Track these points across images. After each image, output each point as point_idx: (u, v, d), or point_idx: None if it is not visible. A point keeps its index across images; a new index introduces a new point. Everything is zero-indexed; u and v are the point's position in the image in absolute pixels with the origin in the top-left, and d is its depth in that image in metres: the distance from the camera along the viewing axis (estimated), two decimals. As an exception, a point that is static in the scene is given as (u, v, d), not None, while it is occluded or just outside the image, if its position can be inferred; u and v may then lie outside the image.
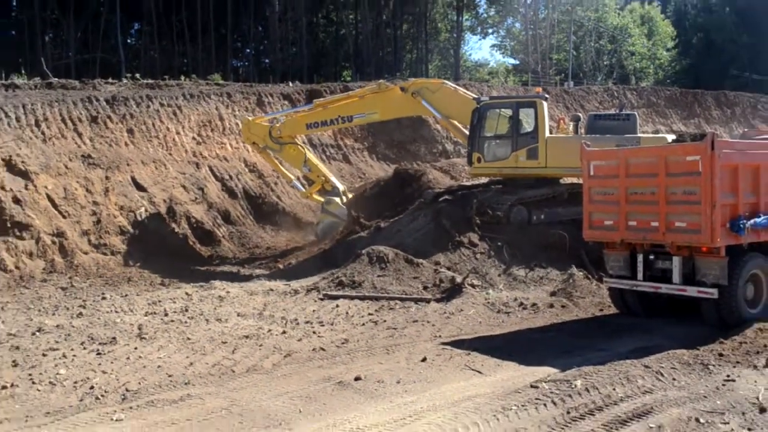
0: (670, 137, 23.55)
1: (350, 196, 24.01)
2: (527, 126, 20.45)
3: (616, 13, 74.08)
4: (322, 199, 23.39)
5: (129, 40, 47.79)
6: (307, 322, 13.76)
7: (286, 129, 22.92)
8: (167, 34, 44.27)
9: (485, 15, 60.67)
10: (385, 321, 13.83)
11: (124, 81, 30.74)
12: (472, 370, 10.60)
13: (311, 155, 24.36)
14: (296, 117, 23.65)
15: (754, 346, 11.12)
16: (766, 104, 59.32)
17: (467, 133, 21.50)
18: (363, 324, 13.69)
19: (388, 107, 23.10)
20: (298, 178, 24.30)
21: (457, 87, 23.85)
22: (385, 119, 24.73)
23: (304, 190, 24.14)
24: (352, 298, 15.56)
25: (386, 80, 22.87)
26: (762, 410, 8.44)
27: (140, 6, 43.79)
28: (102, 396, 9.59)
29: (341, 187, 23.97)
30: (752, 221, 12.36)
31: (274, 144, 22.88)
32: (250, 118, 24.01)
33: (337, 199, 23.21)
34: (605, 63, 71.60)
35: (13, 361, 11.06)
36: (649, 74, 72.30)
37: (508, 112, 21.02)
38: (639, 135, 21.16)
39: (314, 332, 13.05)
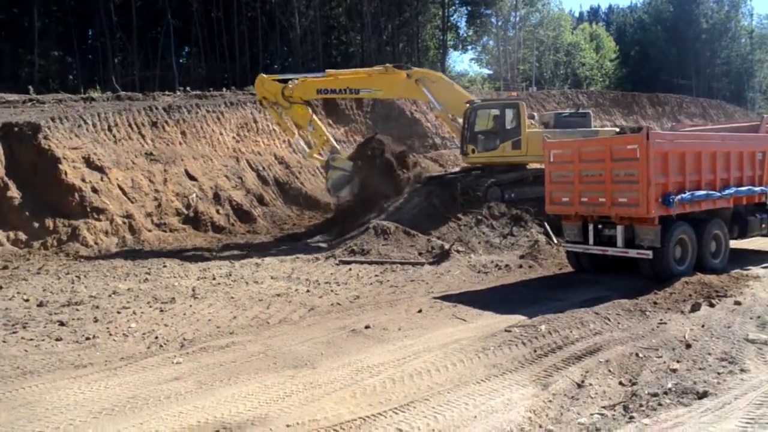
0: (616, 130, 23.55)
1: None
2: (511, 123, 20.33)
3: (570, 32, 73.42)
4: (321, 158, 21.68)
5: (181, 60, 47.58)
6: (326, 283, 13.75)
7: (298, 90, 20.90)
8: (211, 54, 44.06)
9: (465, 35, 60.06)
10: (388, 281, 13.81)
11: (178, 93, 30.56)
12: (458, 318, 10.59)
13: (316, 118, 22.51)
14: (308, 81, 21.43)
15: (682, 295, 11.07)
16: (689, 103, 58.93)
17: (457, 126, 21.21)
18: (371, 283, 13.67)
19: (392, 88, 21.67)
20: (301, 137, 22.48)
21: (453, 82, 23.15)
22: (387, 98, 23.76)
23: (306, 148, 21.92)
24: (361, 263, 15.54)
25: (392, 66, 21.56)
26: (688, 346, 8.41)
27: (189, 33, 43.74)
28: (164, 344, 9.62)
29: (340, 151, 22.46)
30: (679, 196, 12.27)
31: (284, 102, 20.85)
32: (264, 75, 21.78)
33: (341, 155, 21.81)
34: (561, 72, 71.00)
35: (95, 318, 11.10)
36: (597, 80, 71.68)
37: (496, 111, 20.86)
38: (597, 129, 21.24)
39: (332, 291, 13.04)
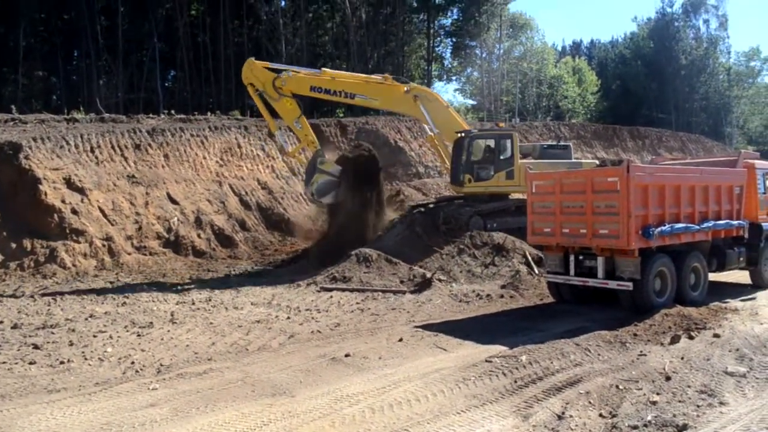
0: (597, 162, 23.93)
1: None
2: (505, 153, 20.52)
3: (553, 65, 74.62)
4: (301, 158, 20.93)
5: (166, 84, 47.54)
6: (307, 310, 13.65)
7: (291, 84, 19.56)
8: (197, 78, 44.15)
9: (450, 65, 60.85)
10: (369, 309, 13.74)
11: (162, 116, 30.49)
12: (439, 348, 10.54)
13: (304, 117, 20.85)
14: (302, 76, 20.10)
15: (661, 327, 11.14)
16: (669, 137, 59.84)
17: (448, 151, 21.18)
18: (352, 311, 13.60)
19: (389, 99, 20.95)
20: (282, 131, 22.08)
21: (449, 104, 22.93)
22: (383, 108, 22.21)
23: (288, 146, 20.99)
24: (343, 290, 15.48)
25: (391, 77, 20.83)
26: (667, 378, 8.44)
27: (175, 56, 43.87)
28: (141, 369, 9.48)
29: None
30: (659, 229, 12.41)
31: (273, 92, 19.37)
32: (254, 60, 20.13)
33: (329, 158, 20.77)
34: (544, 104, 71.99)
35: (70, 341, 10.93)
36: (579, 113, 72.70)
37: (491, 142, 20.98)
38: (581, 160, 21.56)
39: (313, 318, 12.95)
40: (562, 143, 24.03)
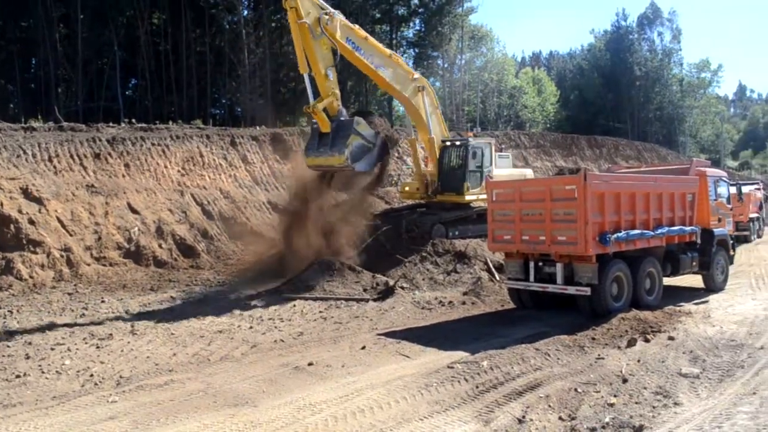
0: (528, 171, 24.10)
1: None
2: (489, 161, 21.06)
3: (514, 76, 75.67)
4: (322, 114, 17.22)
5: (127, 92, 46.73)
6: (269, 319, 13.55)
7: (334, 25, 17.45)
8: (158, 87, 43.52)
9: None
10: (332, 317, 13.69)
11: (123, 125, 29.86)
12: (402, 355, 10.56)
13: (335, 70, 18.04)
14: (345, 22, 18.22)
15: (618, 331, 11.35)
16: (625, 146, 61.12)
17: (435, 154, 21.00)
18: (315, 320, 13.53)
19: (398, 77, 19.71)
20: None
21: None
22: (388, 84, 19.89)
23: (312, 98, 17.31)
24: (306, 299, 15.38)
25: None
26: (624, 381, 8.60)
27: (136, 65, 43.17)
28: (100, 382, 9.30)
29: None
30: (615, 235, 12.66)
31: (317, 26, 16.92)
32: None
33: (365, 121, 18.10)
34: (505, 114, 72.89)
35: (26, 355, 10.66)
36: (539, 122, 73.79)
37: (479, 150, 21.14)
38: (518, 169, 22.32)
39: (275, 327, 12.85)
40: (503, 153, 24.68)
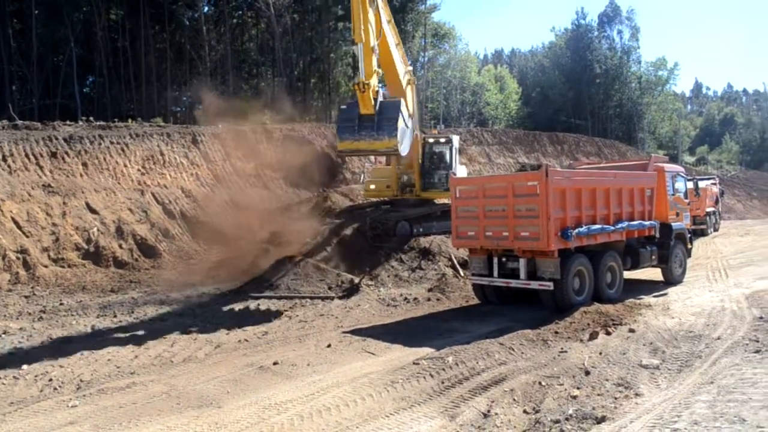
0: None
1: None
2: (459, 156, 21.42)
3: (476, 73, 76.24)
4: (371, 92, 15.34)
5: (85, 89, 45.74)
6: (233, 319, 13.42)
7: None
8: (116, 84, 42.67)
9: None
10: (297, 316, 13.64)
11: (80, 123, 29.26)
12: (368, 352, 10.56)
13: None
14: None
15: (581, 324, 11.52)
16: (586, 142, 62.10)
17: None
18: (279, 319, 13.45)
19: (402, 63, 19.21)
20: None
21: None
22: (395, 67, 18.74)
23: (363, 66, 15.34)
24: (270, 298, 15.29)
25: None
26: (587, 373, 8.74)
27: (93, 62, 42.24)
28: (59, 387, 9.11)
29: None
30: (577, 230, 12.85)
31: None
32: None
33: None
34: (468, 111, 73.38)
35: (-19, 360, 10.35)
36: (501, 119, 74.50)
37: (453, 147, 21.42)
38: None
39: (239, 327, 12.73)
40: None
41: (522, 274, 13.12)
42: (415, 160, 21.12)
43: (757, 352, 9.23)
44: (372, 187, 22.14)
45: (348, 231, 19.26)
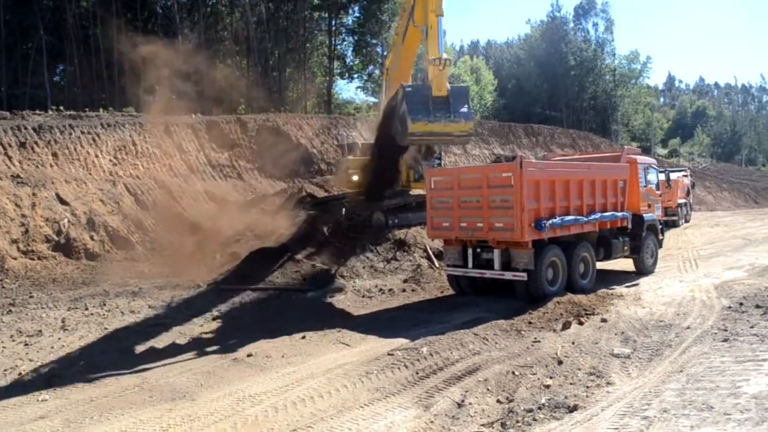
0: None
1: None
2: None
3: (453, 65, 76.26)
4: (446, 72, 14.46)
5: (55, 78, 44.86)
6: (207, 311, 13.31)
7: None
8: (87, 73, 41.90)
9: (352, 63, 60.88)
10: (272, 307, 13.58)
11: (50, 112, 28.73)
12: (342, 343, 10.58)
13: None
14: None
15: (554, 315, 11.65)
16: (560, 134, 62.53)
17: None
18: (254, 310, 13.40)
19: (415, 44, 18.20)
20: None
21: None
22: (406, 46, 18.08)
23: (442, 43, 14.83)
24: (244, 289, 15.17)
25: None
26: (560, 362, 8.85)
27: (64, 50, 41.44)
28: (29, 381, 8.97)
29: None
30: (550, 221, 12.97)
31: None
32: None
33: None
34: (444, 102, 73.39)
35: (-53, 354, 10.15)
36: (477, 111, 74.74)
37: None
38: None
39: (213, 319, 12.66)
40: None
41: (496, 265, 13.21)
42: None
43: (725, 341, 9.41)
44: (355, 178, 21.35)
45: (323, 222, 19.20)
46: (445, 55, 14.38)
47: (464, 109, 14.61)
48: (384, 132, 16.76)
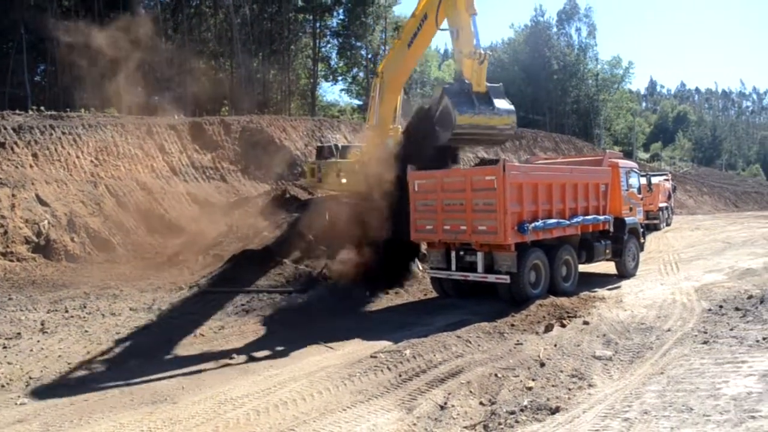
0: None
1: None
2: None
3: (437, 68, 76.56)
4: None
5: (35, 78, 44.37)
6: (189, 314, 13.23)
7: None
8: (69, 73, 41.52)
9: (336, 66, 60.88)
10: (255, 310, 13.50)
11: (30, 112, 28.41)
12: (325, 346, 10.54)
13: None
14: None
15: (536, 317, 11.71)
16: (543, 138, 62.97)
17: None
18: (236, 313, 13.32)
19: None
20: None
21: None
22: (413, 51, 17.79)
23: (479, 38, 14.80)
24: (227, 292, 15.08)
25: None
26: (542, 365, 8.89)
27: (45, 49, 41.03)
28: (7, 384, 8.87)
29: None
30: (533, 224, 13.04)
31: None
32: None
33: None
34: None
35: (-77, 357, 9.99)
36: (461, 114, 74.90)
37: None
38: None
39: (195, 322, 12.56)
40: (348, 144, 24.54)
41: (479, 268, 13.26)
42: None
43: (705, 343, 9.51)
44: (344, 180, 20.42)
45: (307, 225, 19.11)
46: (481, 50, 14.46)
47: (505, 104, 14.95)
48: (410, 147, 15.81)
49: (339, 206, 18.19)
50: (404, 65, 18.49)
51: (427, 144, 15.05)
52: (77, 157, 25.02)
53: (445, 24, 15.58)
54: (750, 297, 12.65)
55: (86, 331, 11.75)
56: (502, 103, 14.97)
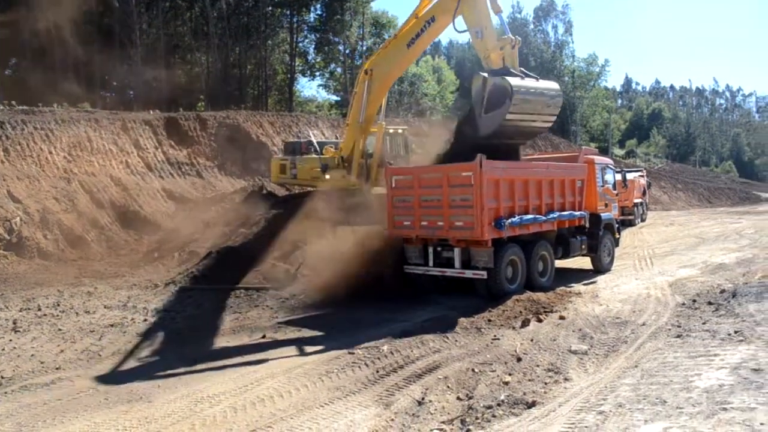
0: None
1: None
2: None
3: (414, 64, 76.44)
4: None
5: (6, 71, 43.59)
6: (165, 311, 13.11)
7: None
8: (41, 67, 40.83)
9: (313, 61, 60.64)
10: (231, 307, 13.43)
11: (1, 107, 27.91)
12: (303, 342, 10.51)
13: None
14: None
15: (513, 312, 11.79)
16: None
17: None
18: (213, 310, 13.22)
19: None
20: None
21: None
22: (414, 50, 17.61)
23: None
24: (203, 289, 14.99)
25: None
26: (518, 359, 8.97)
27: (17, 43, 40.32)
28: (-22, 384, 8.69)
29: None
30: (510, 220, 13.13)
31: None
32: None
33: None
34: (405, 101, 73.63)
35: None
36: (439, 110, 75.09)
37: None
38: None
39: (171, 319, 12.47)
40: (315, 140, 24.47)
41: (457, 264, 13.33)
42: (379, 150, 19.92)
43: (678, 336, 9.65)
44: (327, 177, 19.86)
45: (284, 221, 19.03)
46: (511, 35, 14.63)
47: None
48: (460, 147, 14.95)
49: (329, 203, 17.95)
50: (400, 64, 18.51)
51: (484, 138, 14.20)
52: (50, 152, 24.65)
53: (461, 25, 15.31)
54: (722, 291, 12.86)
55: (60, 330, 11.59)
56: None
